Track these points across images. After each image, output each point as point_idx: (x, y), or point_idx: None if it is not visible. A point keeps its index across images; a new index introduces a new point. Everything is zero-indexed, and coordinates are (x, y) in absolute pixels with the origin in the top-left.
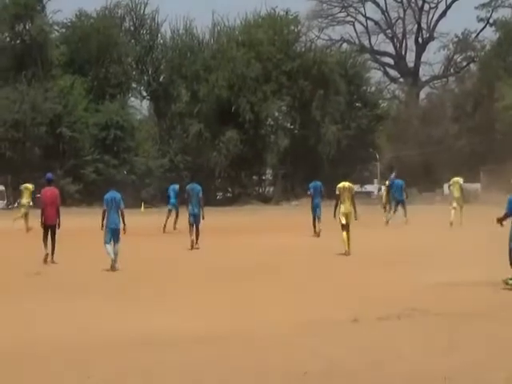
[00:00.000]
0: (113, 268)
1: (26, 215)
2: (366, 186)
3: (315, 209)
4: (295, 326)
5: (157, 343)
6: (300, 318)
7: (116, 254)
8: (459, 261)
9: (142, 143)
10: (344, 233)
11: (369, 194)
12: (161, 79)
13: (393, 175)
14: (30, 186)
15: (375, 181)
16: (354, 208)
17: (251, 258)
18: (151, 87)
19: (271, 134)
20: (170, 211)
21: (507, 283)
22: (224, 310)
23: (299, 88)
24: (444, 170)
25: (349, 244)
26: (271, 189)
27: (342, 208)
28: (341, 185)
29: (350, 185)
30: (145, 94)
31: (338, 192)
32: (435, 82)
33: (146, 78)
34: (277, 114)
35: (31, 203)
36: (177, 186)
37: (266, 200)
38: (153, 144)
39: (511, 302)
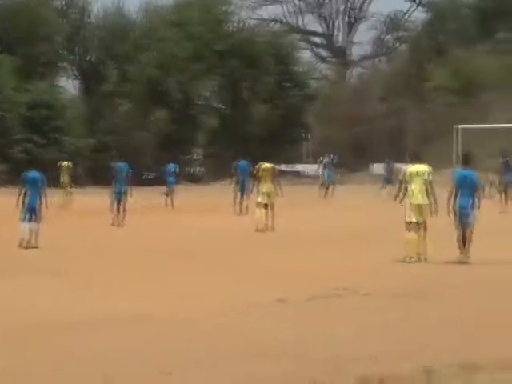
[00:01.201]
0: (21, 245)
1: None
2: (296, 166)
3: (241, 187)
4: (221, 307)
5: (84, 325)
6: (227, 297)
7: (35, 233)
8: (391, 240)
9: (72, 123)
10: (259, 210)
11: (298, 173)
12: (91, 58)
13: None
14: None
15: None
16: (279, 187)
17: (179, 238)
18: (81, 66)
19: (201, 113)
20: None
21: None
22: (150, 291)
23: (229, 68)
24: (373, 150)
25: (273, 221)
26: (201, 168)
27: (264, 188)
28: (259, 165)
29: (270, 165)
30: (75, 73)
31: (255, 171)
32: (365, 61)
33: (75, 57)
34: (207, 93)
35: None
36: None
37: (195, 180)
38: (82, 123)
39: (441, 282)
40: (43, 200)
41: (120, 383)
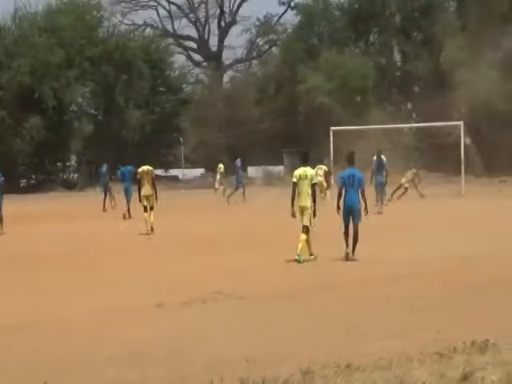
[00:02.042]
0: None
1: None
2: (170, 171)
3: (126, 192)
4: (98, 313)
5: None
6: (103, 304)
7: None
8: (270, 243)
9: None
10: (145, 214)
11: (174, 178)
12: None
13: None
14: None
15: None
16: (155, 190)
17: (56, 245)
18: None
19: (75, 120)
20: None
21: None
22: (22, 298)
23: (102, 73)
24: (248, 153)
25: (152, 225)
26: (75, 175)
27: (143, 191)
28: (140, 169)
29: (150, 168)
30: None
31: (138, 176)
32: (238, 65)
33: None
34: (80, 99)
35: None
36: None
37: (70, 186)
38: None
39: (316, 283)
40: None
41: None
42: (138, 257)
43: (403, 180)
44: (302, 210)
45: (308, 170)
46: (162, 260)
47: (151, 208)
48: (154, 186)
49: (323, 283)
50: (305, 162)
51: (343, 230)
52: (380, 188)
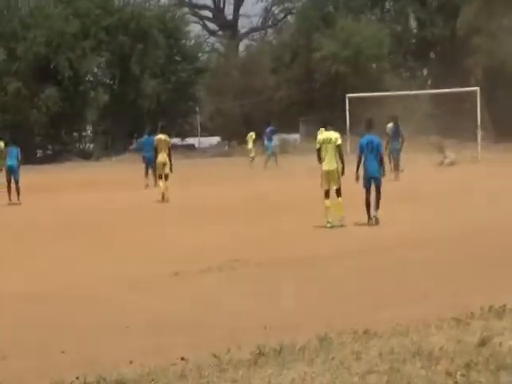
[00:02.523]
0: None
1: None
2: (186, 139)
3: (150, 161)
4: (116, 282)
5: None
6: (120, 273)
7: None
8: (292, 211)
9: None
10: (160, 182)
11: (190, 146)
12: None
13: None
14: None
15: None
16: (170, 160)
17: (73, 214)
18: None
19: (91, 90)
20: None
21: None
22: (44, 268)
23: (118, 43)
24: (264, 121)
25: (166, 194)
26: (91, 145)
27: (159, 158)
28: (157, 137)
29: (166, 137)
30: None
31: (155, 143)
32: (254, 34)
33: None
34: (96, 69)
35: None
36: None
37: (86, 156)
38: None
39: (331, 251)
40: None
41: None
42: (155, 226)
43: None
44: (329, 174)
45: (332, 134)
46: (179, 229)
47: (166, 177)
48: (169, 155)
49: (341, 250)
50: (370, 128)
51: (365, 196)
52: (396, 155)
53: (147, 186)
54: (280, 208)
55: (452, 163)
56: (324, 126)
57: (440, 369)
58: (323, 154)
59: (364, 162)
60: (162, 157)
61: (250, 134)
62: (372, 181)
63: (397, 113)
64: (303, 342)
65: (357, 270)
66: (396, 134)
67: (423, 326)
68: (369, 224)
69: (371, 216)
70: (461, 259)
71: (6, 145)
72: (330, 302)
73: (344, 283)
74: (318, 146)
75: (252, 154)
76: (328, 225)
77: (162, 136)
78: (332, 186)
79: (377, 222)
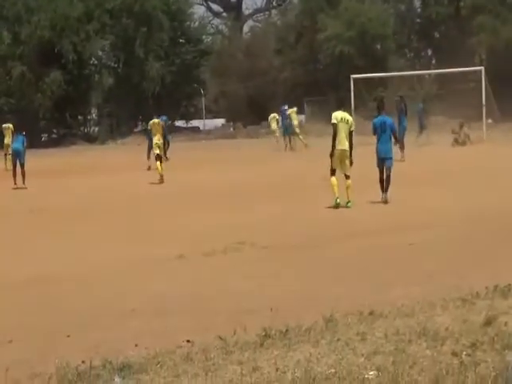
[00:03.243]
0: None
1: None
2: (191, 122)
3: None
4: (120, 265)
5: None
6: (126, 255)
7: None
8: (288, 194)
9: None
10: (158, 163)
11: (195, 129)
12: None
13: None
14: None
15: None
16: (164, 143)
17: (81, 197)
18: None
19: (95, 73)
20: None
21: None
22: (48, 253)
23: (122, 26)
24: (269, 103)
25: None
26: (96, 128)
27: (155, 139)
28: (151, 121)
29: (159, 120)
30: None
31: (149, 127)
32: (258, 15)
33: None
34: (100, 53)
35: None
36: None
37: (91, 140)
38: None
39: (337, 233)
40: None
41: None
42: (159, 209)
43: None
44: (341, 154)
45: (347, 116)
46: (184, 212)
47: (159, 158)
48: (164, 138)
49: (346, 231)
50: (381, 109)
51: (379, 175)
52: (402, 134)
53: (150, 168)
54: (290, 189)
55: (464, 143)
56: (339, 107)
57: (446, 349)
58: (339, 132)
59: (377, 143)
60: (157, 138)
61: (273, 115)
62: (385, 161)
63: (402, 93)
64: (309, 323)
65: (361, 251)
66: (402, 113)
67: (428, 307)
68: (382, 201)
69: (384, 197)
70: (465, 240)
71: (14, 128)
72: (335, 283)
73: (349, 265)
74: (334, 121)
75: (277, 134)
76: (337, 200)
77: (155, 120)
78: (343, 169)
79: (385, 202)
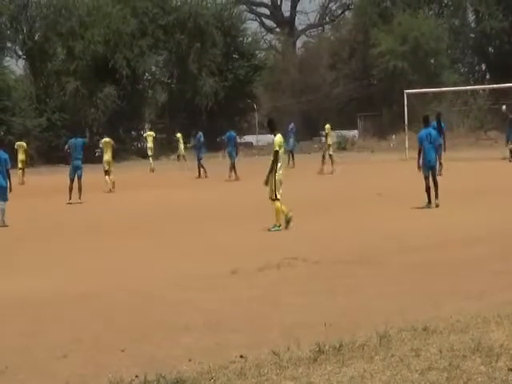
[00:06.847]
0: None
1: None
2: (244, 137)
3: (230, 155)
4: (174, 281)
5: (34, 304)
6: (178, 272)
7: (2, 211)
8: (334, 208)
9: (19, 103)
10: (106, 177)
11: (248, 144)
12: (36, 37)
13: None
14: None
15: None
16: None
17: (133, 213)
18: (26, 46)
19: (149, 88)
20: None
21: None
22: (104, 267)
23: (176, 42)
24: (322, 118)
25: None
26: None
27: (105, 157)
28: (102, 140)
29: (109, 140)
30: (20, 52)
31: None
32: (311, 30)
33: (20, 36)
34: (154, 68)
35: None
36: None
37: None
38: (30, 103)
39: (388, 247)
40: (9, 179)
41: (72, 359)
42: (212, 224)
43: None
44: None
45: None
46: (237, 226)
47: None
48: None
49: (398, 246)
50: (427, 123)
51: (426, 183)
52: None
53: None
54: (336, 205)
55: None
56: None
57: (500, 365)
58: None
59: (423, 153)
60: (108, 155)
61: (327, 125)
62: (431, 170)
63: (454, 108)
64: (362, 339)
65: (414, 267)
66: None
67: (483, 323)
68: (427, 207)
69: (431, 201)
70: None
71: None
72: (389, 299)
73: (402, 280)
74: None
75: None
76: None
77: (107, 139)
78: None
79: (437, 206)
